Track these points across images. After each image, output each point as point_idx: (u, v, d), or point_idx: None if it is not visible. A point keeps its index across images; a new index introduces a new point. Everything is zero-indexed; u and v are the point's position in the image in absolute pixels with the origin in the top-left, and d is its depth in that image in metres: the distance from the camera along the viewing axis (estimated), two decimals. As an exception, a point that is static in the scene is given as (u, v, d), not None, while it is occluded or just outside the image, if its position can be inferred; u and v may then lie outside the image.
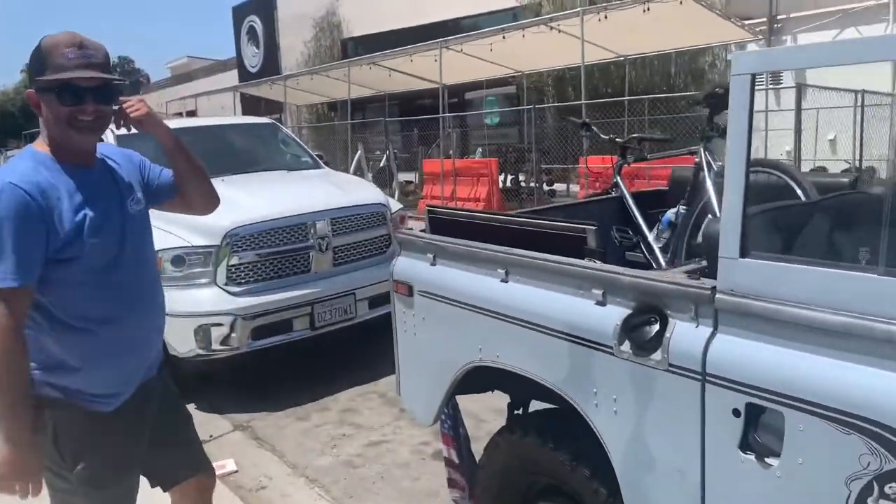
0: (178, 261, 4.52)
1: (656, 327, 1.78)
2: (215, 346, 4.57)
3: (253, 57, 30.03)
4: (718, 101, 2.86)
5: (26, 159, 1.84)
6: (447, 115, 14.98)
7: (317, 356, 5.48)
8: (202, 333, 4.51)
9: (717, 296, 1.64)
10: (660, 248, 3.05)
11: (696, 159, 2.94)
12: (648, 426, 1.82)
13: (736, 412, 1.60)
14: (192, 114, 26.22)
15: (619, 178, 3.39)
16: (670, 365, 1.73)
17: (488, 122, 19.26)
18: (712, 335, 1.66)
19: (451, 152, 14.79)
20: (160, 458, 2.16)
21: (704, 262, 1.93)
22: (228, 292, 4.63)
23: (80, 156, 1.91)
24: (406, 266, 2.73)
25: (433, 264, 2.60)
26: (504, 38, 12.42)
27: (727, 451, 1.63)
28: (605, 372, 1.91)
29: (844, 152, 12.02)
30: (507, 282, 2.26)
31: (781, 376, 1.51)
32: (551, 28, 12.18)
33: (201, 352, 4.53)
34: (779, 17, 14.09)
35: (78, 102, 1.80)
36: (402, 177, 16.56)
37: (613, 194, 3.42)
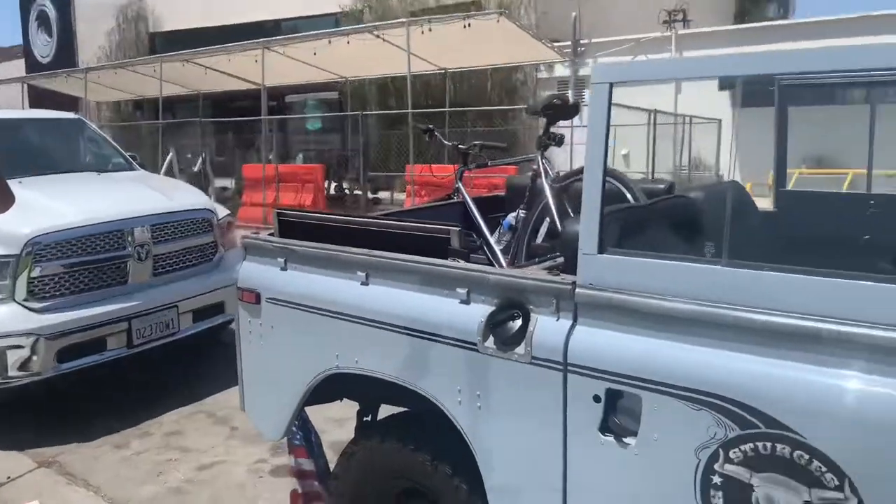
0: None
1: (519, 322, 1.84)
2: (12, 372, 4.01)
3: (44, 46, 26.94)
4: (556, 112, 3.05)
5: None
6: (270, 117, 14.49)
7: (134, 376, 5.02)
8: (-5, 357, 3.94)
9: (577, 290, 1.74)
10: (501, 249, 3.17)
11: (534, 166, 3.09)
12: (512, 418, 1.88)
13: (596, 398, 1.70)
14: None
15: (460, 183, 3.47)
16: (533, 358, 1.80)
17: (309, 127, 18.94)
18: (573, 327, 1.76)
19: (270, 157, 14.31)
20: None
21: (561, 259, 2.04)
22: (29, 309, 4.09)
23: None
24: (252, 272, 2.59)
25: (284, 269, 2.49)
26: (330, 42, 12.29)
27: (588, 435, 1.73)
28: (470, 369, 1.95)
29: (638, 166, 13.39)
30: (367, 285, 2.22)
31: (638, 362, 1.63)
32: (377, 36, 12.27)
33: (-4, 378, 3.96)
34: (582, 42, 15.39)
35: None
36: (218, 182, 15.74)
37: (455, 199, 3.50)
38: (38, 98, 22.04)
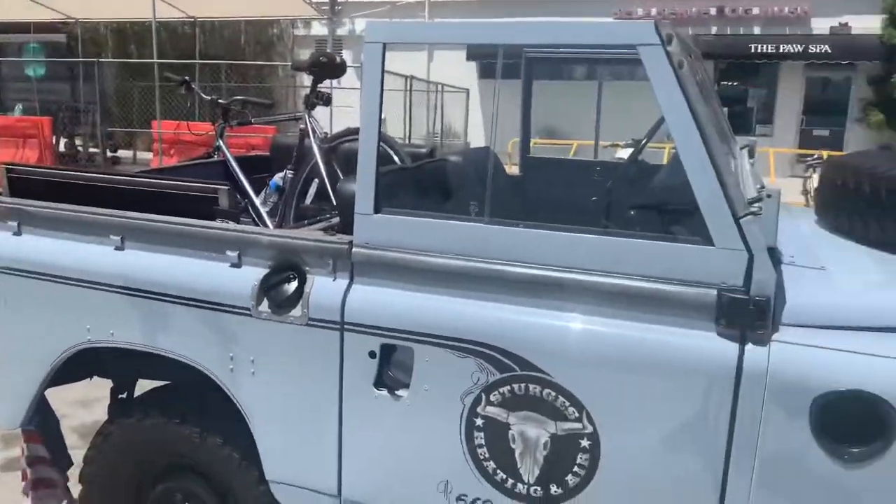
0: None
1: (295, 284, 1.83)
2: None
3: None
4: (322, 70, 3.01)
5: None
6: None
7: None
8: None
9: (354, 249, 1.78)
10: (267, 211, 3.09)
11: (301, 126, 3.04)
12: (288, 381, 1.88)
13: (372, 354, 1.76)
14: None
15: (221, 141, 3.29)
16: (310, 319, 1.81)
17: (30, 74, 16.39)
18: (349, 286, 1.80)
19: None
20: None
21: (336, 220, 2.05)
22: None
23: None
24: (-27, 238, 2.22)
25: (17, 234, 2.17)
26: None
27: (363, 391, 1.79)
28: (243, 335, 1.89)
29: (395, 131, 13.78)
30: (123, 249, 2.03)
31: (410, 316, 1.72)
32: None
33: None
34: (339, 1, 15.26)
35: None
36: None
37: (216, 158, 3.32)
38: None
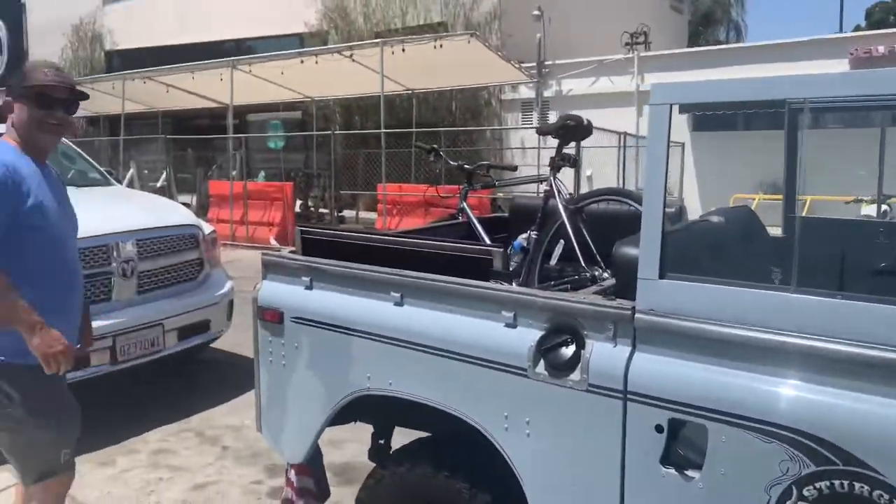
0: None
1: (573, 348, 1.83)
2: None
3: (-6, 64, 26.01)
4: (568, 133, 3.07)
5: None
6: (237, 135, 14.28)
7: (117, 394, 4.82)
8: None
9: (637, 315, 1.74)
10: (511, 271, 3.16)
11: (546, 187, 3.10)
12: (565, 446, 1.86)
13: (658, 428, 1.68)
14: None
15: (465, 204, 3.46)
16: (590, 385, 1.78)
17: (271, 146, 18.70)
18: (632, 354, 1.75)
19: (233, 174, 14.08)
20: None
21: (611, 282, 2.03)
22: (8, 327, 3.89)
23: (39, 154, 2.38)
24: (274, 291, 2.51)
25: (310, 288, 2.42)
26: (302, 62, 12.20)
27: (648, 467, 1.71)
28: (518, 394, 1.92)
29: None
30: (402, 305, 2.18)
31: (704, 391, 1.62)
32: (345, 56, 12.23)
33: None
34: (546, 63, 15.65)
35: (49, 108, 2.31)
36: (180, 199, 15.39)
37: (460, 220, 3.49)
38: (-13, 110, 21.22)
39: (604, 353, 1.78)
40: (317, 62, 12.37)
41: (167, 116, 19.44)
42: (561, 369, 1.82)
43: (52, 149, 2.47)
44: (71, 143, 6.19)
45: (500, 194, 10.62)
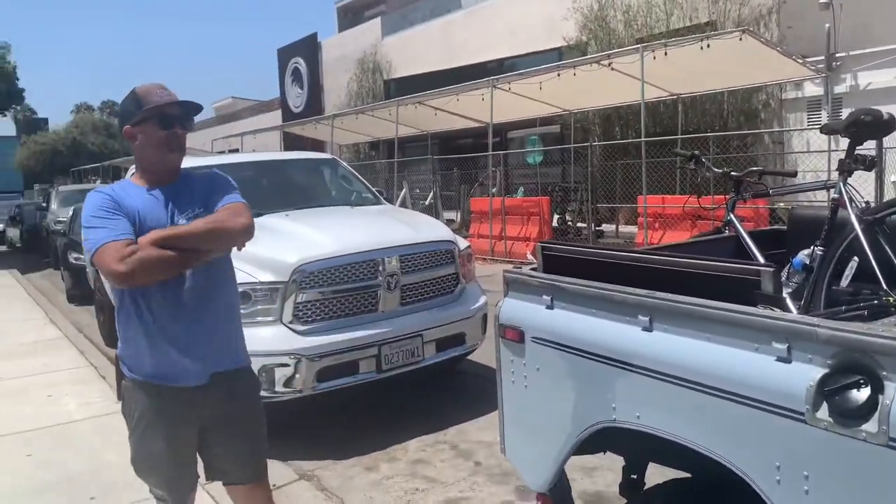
0: (243, 297, 4.31)
1: (867, 391, 1.47)
2: (278, 387, 4.33)
3: (297, 97, 30.58)
4: (862, 130, 2.57)
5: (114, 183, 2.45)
6: (496, 152, 14.84)
7: (379, 401, 5.21)
8: (265, 374, 4.27)
9: (962, 356, 1.34)
10: (789, 293, 2.73)
11: (835, 195, 2.63)
12: (857, 512, 1.50)
13: None
14: (234, 152, 26.70)
15: (732, 216, 3.09)
16: (891, 439, 1.42)
17: (530, 161, 19.10)
18: (953, 405, 1.35)
19: (493, 191, 14.61)
20: (219, 454, 2.47)
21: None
22: (294, 331, 4.40)
23: (166, 175, 2.38)
24: (515, 309, 2.45)
25: (550, 307, 2.32)
26: (559, 75, 12.27)
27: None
28: (793, 442, 1.60)
29: None
30: (650, 330, 1.97)
31: None
32: (603, 66, 11.99)
33: (264, 393, 4.28)
34: (837, 55, 13.73)
35: (171, 127, 2.31)
36: (445, 215, 16.41)
37: (727, 233, 3.12)
38: (292, 142, 25.00)
39: (913, 403, 1.40)
40: (574, 74, 12.32)
41: (435, 138, 20.96)
42: (851, 417, 1.48)
43: (177, 166, 2.40)
44: (349, 167, 6.91)
45: (781, 204, 9.52)
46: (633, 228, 13.64)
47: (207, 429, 2.44)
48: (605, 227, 15.43)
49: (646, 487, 2.27)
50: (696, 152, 3.33)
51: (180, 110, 2.33)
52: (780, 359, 1.64)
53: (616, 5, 16.94)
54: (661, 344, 1.93)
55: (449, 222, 16.41)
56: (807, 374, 1.58)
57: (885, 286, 2.32)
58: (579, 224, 14.73)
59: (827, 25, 13.62)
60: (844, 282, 2.52)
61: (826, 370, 1.55)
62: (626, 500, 2.46)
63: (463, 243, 5.36)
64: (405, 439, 4.54)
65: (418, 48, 24.08)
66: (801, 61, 11.69)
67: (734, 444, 1.74)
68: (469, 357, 5.42)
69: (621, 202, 14.40)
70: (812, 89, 14.25)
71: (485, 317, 5.21)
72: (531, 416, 2.41)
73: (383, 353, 4.56)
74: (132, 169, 2.49)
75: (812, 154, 12.74)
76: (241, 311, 4.26)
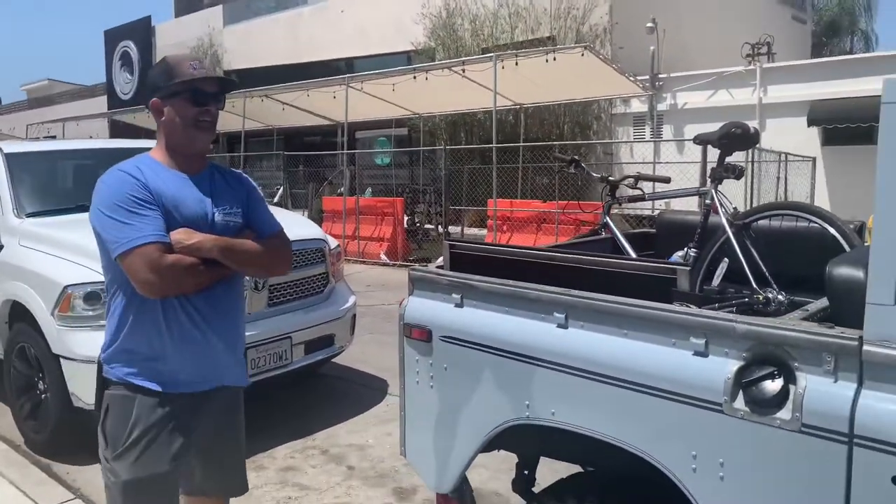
0: (91, 297, 3.87)
1: (780, 382, 1.59)
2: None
3: (126, 83, 28.23)
4: (732, 142, 2.81)
5: (133, 160, 2.10)
6: (350, 152, 14.66)
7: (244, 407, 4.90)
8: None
9: (865, 347, 1.48)
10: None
11: (707, 200, 2.85)
12: (769, 494, 1.62)
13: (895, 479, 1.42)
14: (50, 139, 24.10)
15: (608, 218, 3.25)
16: (804, 426, 1.54)
17: (378, 162, 19.10)
18: (858, 391, 1.49)
19: (341, 190, 14.40)
20: (197, 466, 2.28)
21: (819, 306, 1.78)
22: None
23: (196, 160, 2.16)
24: (422, 308, 2.40)
25: (459, 306, 2.29)
26: (415, 78, 12.35)
27: (879, 523, 1.45)
28: (710, 432, 1.69)
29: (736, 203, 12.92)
30: (566, 327, 2.00)
31: (961, 438, 1.36)
32: (456, 72, 12.25)
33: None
34: (660, 76, 15.11)
35: (204, 104, 2.08)
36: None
37: (603, 235, 3.28)
38: (121, 132, 23.03)
39: (822, 390, 1.53)
40: (427, 78, 12.48)
41: (280, 133, 20.28)
42: (766, 406, 1.59)
43: (206, 149, 2.18)
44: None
45: (629, 211, 10.25)
46: (479, 230, 14.07)
47: (201, 439, 2.23)
48: (451, 229, 15.78)
49: (549, 485, 2.31)
50: (577, 157, 3.48)
51: (216, 87, 2.10)
52: (697, 353, 1.74)
53: (464, 14, 17.42)
54: (577, 340, 1.97)
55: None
56: (724, 367, 1.68)
57: (754, 285, 2.54)
58: (427, 226, 14.94)
59: (652, 48, 14.96)
60: (716, 281, 2.73)
61: (742, 363, 1.66)
62: (508, 495, 2.47)
63: (333, 242, 5.20)
64: (272, 446, 4.31)
65: (261, 41, 23.19)
66: (632, 79, 12.70)
67: (652, 436, 1.81)
68: (334, 359, 5.27)
69: (467, 205, 14.82)
70: (638, 106, 15.59)
71: (353, 317, 5.09)
72: (436, 416, 2.36)
73: (249, 357, 4.29)
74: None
75: (636, 165, 13.88)
76: (88, 312, 3.90)
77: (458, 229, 15.88)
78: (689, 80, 14.77)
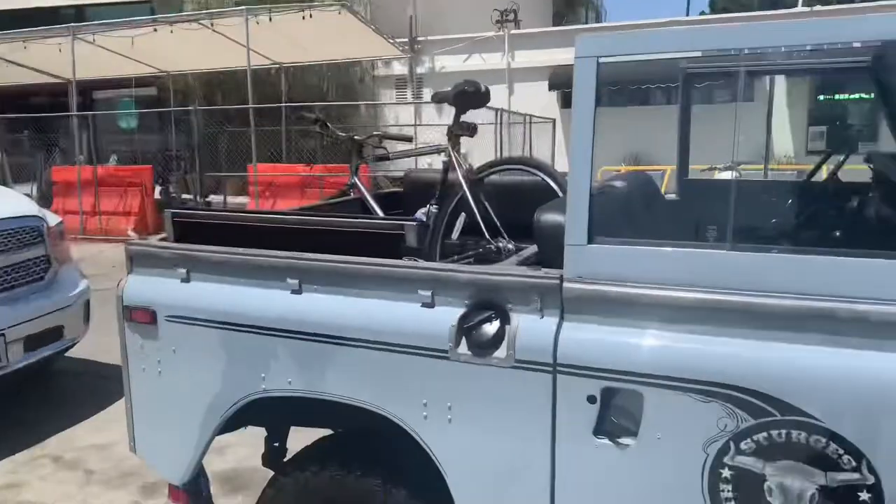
0: None
1: (497, 324, 1.67)
2: None
3: None
4: (466, 100, 2.90)
5: None
6: (82, 114, 12.97)
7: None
8: None
9: (566, 285, 1.61)
10: (410, 248, 2.97)
11: (445, 158, 2.93)
12: (492, 428, 1.71)
13: (591, 399, 1.58)
14: None
15: (356, 178, 3.22)
16: (517, 361, 1.64)
17: (123, 126, 17.25)
18: (560, 325, 1.62)
19: (79, 157, 12.79)
20: None
21: (532, 251, 1.89)
22: None
23: None
24: (143, 287, 2.17)
25: (186, 280, 2.11)
26: (156, 30, 11.21)
27: (581, 440, 1.60)
28: (438, 379, 1.74)
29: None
30: (300, 293, 1.93)
31: (640, 357, 1.53)
32: (204, 26, 11.37)
33: None
34: (419, 39, 15.46)
35: None
36: (17, 188, 13.81)
37: (352, 196, 3.24)
38: None
39: (531, 327, 1.64)
40: (172, 31, 11.43)
41: (-3, 94, 17.39)
42: (485, 347, 1.67)
43: None
44: None
45: (380, 173, 10.38)
46: (243, 198, 13.41)
47: None
48: (213, 198, 14.84)
49: (294, 454, 2.25)
50: (322, 116, 3.37)
51: None
52: (425, 305, 1.77)
53: (213, -38, 16.19)
54: (311, 306, 1.91)
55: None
56: (449, 315, 1.73)
57: (487, 236, 2.68)
58: (185, 196, 13.89)
59: (409, 11, 15.22)
60: (455, 234, 2.83)
61: (465, 310, 1.72)
62: (272, 473, 2.39)
63: (53, 218, 4.56)
64: (-13, 463, 3.72)
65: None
66: (391, 41, 12.82)
67: (386, 392, 1.82)
68: (67, 354, 4.65)
69: (228, 172, 14.03)
70: (399, 68, 15.85)
71: (87, 304, 4.54)
72: (167, 403, 2.17)
73: (-54, 362, 3.64)
74: None
75: (403, 128, 14.17)
76: None
77: (221, 198, 15.02)
78: (446, 43, 15.32)
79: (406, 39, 14.98)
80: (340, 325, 1.85)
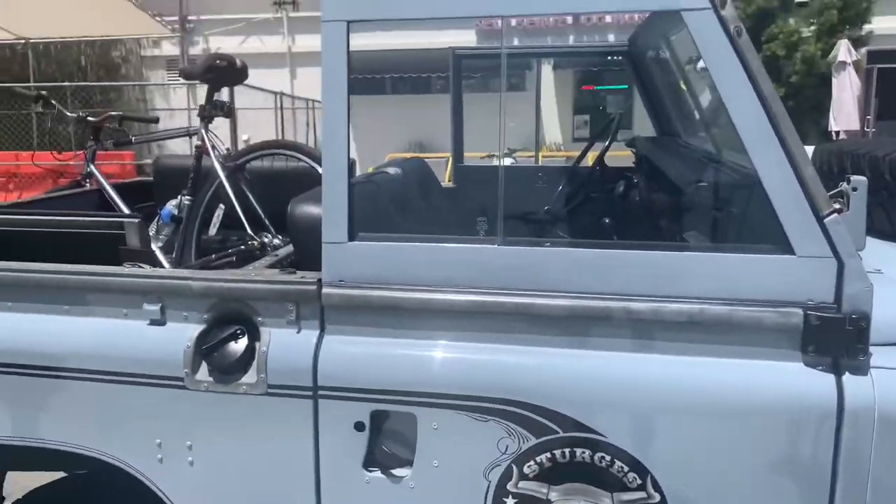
0: None
1: (244, 342, 1.39)
2: None
3: None
4: (219, 76, 2.54)
5: None
6: None
7: None
8: None
9: (325, 290, 1.36)
10: (160, 247, 2.55)
11: (198, 142, 2.55)
12: (243, 469, 1.42)
13: (359, 426, 1.35)
14: None
15: (93, 166, 2.71)
16: (270, 387, 1.37)
17: None
18: (320, 339, 1.38)
19: None
20: None
21: (287, 249, 1.62)
22: None
23: None
24: None
25: None
26: None
27: (349, 474, 1.38)
28: (173, 414, 1.42)
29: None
30: (-16, 313, 1.48)
31: (411, 372, 1.34)
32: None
33: None
34: (190, 18, 14.26)
35: None
36: None
37: (88, 187, 2.73)
38: None
39: (286, 343, 1.38)
40: None
41: None
42: (230, 372, 1.38)
43: None
44: None
45: (148, 160, 9.36)
46: (-19, 191, 11.43)
47: None
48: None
49: (23, 496, 1.79)
50: (44, 93, 2.79)
51: None
52: (153, 322, 1.43)
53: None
54: (8, 329, 1.47)
55: None
56: (183, 333, 1.41)
57: (249, 231, 2.36)
58: None
59: (179, -13, 13.98)
60: (213, 230, 2.48)
61: (204, 326, 1.41)
62: None
63: None
64: None
65: None
66: (158, 19, 11.62)
67: (108, 432, 1.45)
68: None
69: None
70: (170, 49, 14.52)
71: None
72: None
73: None
74: None
75: (175, 113, 12.99)
76: None
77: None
78: (221, 24, 14.30)
79: (176, 18, 13.73)
80: (46, 353, 1.44)
